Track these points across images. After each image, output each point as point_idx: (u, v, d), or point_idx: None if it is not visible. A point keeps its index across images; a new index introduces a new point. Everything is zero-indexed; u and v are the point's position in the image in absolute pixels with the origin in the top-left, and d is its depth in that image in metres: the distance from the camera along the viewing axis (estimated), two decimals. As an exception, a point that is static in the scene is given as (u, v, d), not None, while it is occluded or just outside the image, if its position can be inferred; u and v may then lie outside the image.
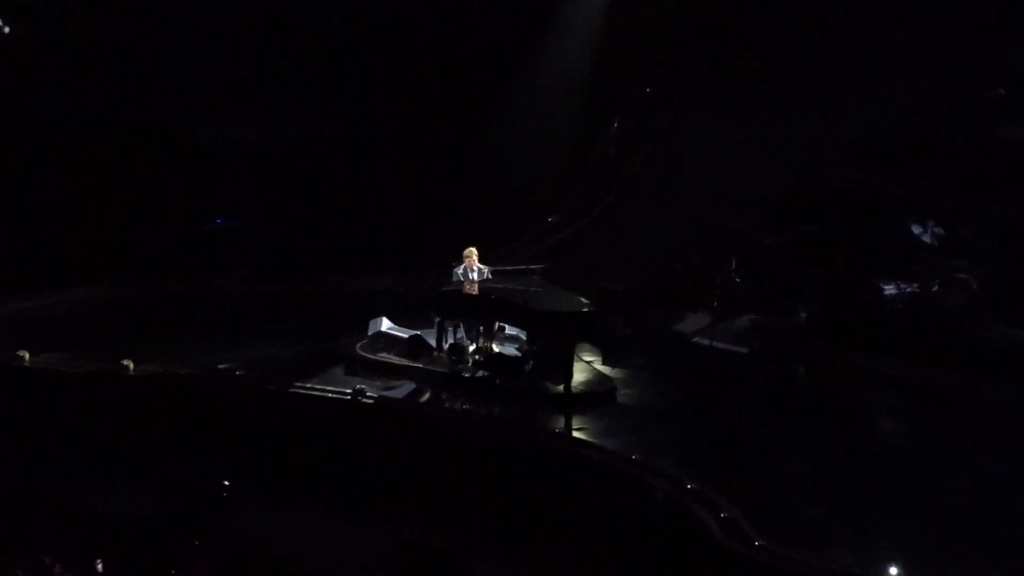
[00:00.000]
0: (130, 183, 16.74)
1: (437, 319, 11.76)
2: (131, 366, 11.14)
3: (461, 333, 11.77)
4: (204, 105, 17.34)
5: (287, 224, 17.56)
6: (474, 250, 11.95)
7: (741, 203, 14.89)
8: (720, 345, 12.53)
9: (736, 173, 15.00)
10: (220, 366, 11.49)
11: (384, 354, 11.89)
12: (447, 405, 10.71)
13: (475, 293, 11.53)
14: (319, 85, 17.35)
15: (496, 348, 11.55)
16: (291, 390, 10.60)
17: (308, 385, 10.69)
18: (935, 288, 13.05)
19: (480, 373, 11.11)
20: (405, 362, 11.57)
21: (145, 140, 17.18)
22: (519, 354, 11.36)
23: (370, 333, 12.45)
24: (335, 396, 10.41)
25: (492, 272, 12.14)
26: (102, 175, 16.57)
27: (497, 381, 10.88)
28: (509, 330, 12.10)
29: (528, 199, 16.62)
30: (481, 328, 11.54)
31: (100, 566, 8.27)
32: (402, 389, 10.84)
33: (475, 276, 11.90)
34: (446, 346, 11.67)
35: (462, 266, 11.97)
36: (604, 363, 11.61)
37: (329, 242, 16.90)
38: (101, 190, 16.49)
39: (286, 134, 17.87)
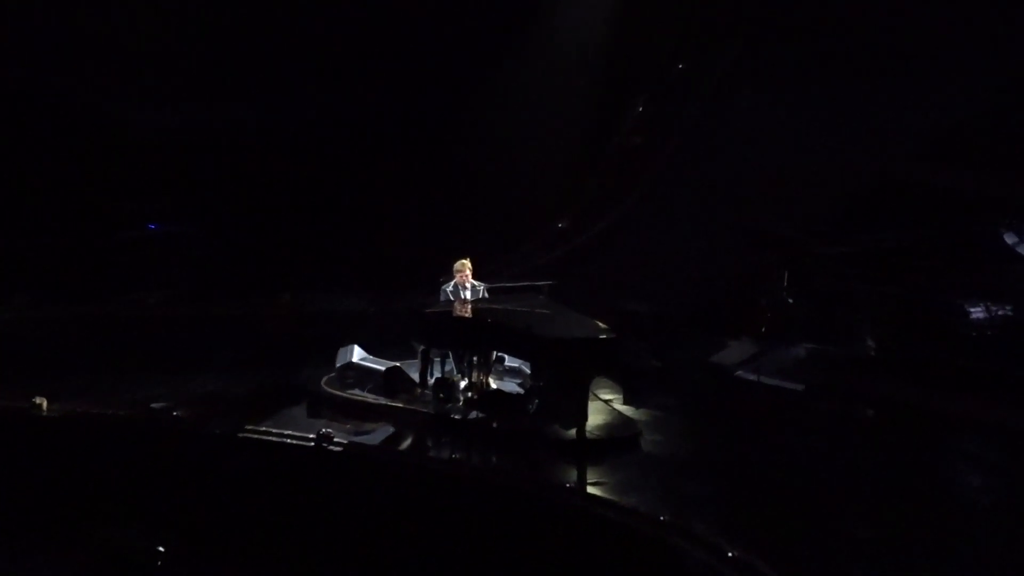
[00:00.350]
0: (41, 178, 16.75)
1: (421, 348, 11.85)
2: (44, 405, 11.17)
3: (450, 365, 11.84)
4: (135, 80, 17.37)
5: (237, 230, 17.65)
6: (467, 263, 12.06)
7: (794, 205, 14.96)
8: (769, 381, 12.61)
9: (788, 168, 15.07)
10: (154, 405, 11.51)
11: (355, 391, 11.98)
12: (433, 453, 10.72)
13: (468, 315, 11.59)
14: (280, 57, 17.40)
15: (493, 384, 11.62)
16: (241, 435, 10.62)
17: (262, 428, 10.72)
18: (1034, 311, 13.10)
19: (473, 414, 11.16)
20: (381, 400, 11.66)
21: (60, 125, 17.16)
22: (521, 391, 11.42)
23: (338, 365, 12.53)
24: (294, 442, 10.42)
25: (489, 290, 12.22)
26: (5, 170, 16.64)
27: (495, 424, 10.93)
28: (509, 361, 12.15)
29: (532, 200, 16.69)
30: (475, 359, 11.58)
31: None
32: (377, 434, 10.89)
33: (468, 294, 11.99)
34: (432, 381, 11.74)
35: (452, 282, 12.06)
36: (626, 402, 11.57)
37: (289, 253, 17.02)
38: (4, 188, 16.56)
39: (239, 118, 17.91)
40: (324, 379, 12.30)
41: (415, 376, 11.89)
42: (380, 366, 12.25)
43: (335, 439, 10.33)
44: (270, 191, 17.72)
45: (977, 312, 13.13)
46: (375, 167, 17.57)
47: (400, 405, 11.51)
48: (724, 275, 14.96)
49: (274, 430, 10.72)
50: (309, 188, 17.63)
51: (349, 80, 17.51)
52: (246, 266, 17.11)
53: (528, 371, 11.71)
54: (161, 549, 8.91)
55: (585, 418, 10.55)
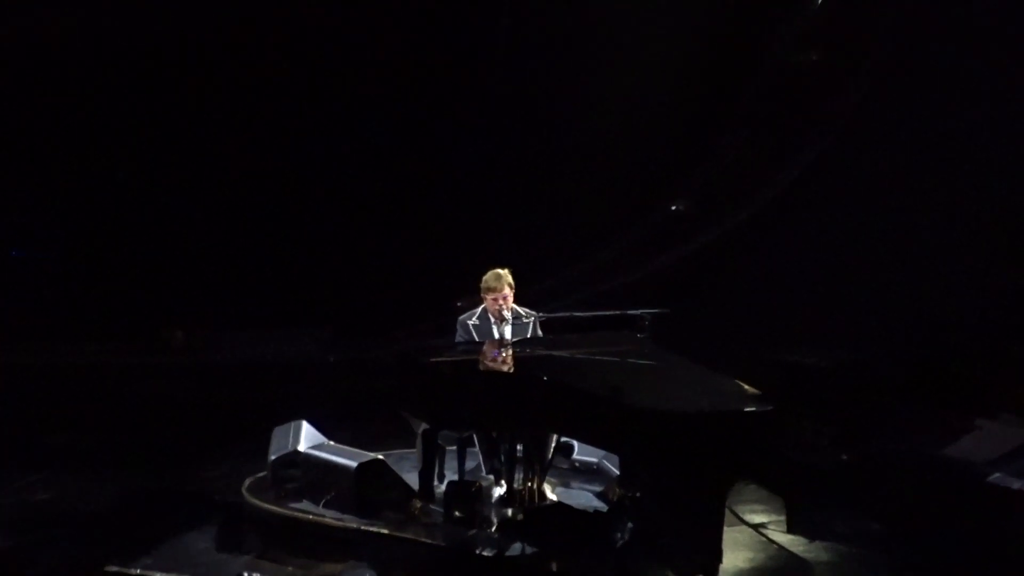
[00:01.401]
0: None
1: (422, 427, 11.85)
2: None
3: (476, 460, 11.96)
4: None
5: (90, 222, 18.09)
6: (504, 276, 12.09)
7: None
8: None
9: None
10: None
11: (304, 503, 12.02)
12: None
13: (507, 368, 11.53)
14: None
15: (551, 493, 11.66)
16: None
17: (135, 571, 10.70)
18: None
19: (517, 547, 11.13)
20: (350, 521, 11.65)
21: None
22: (603, 506, 11.45)
23: (273, 457, 12.63)
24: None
25: (545, 323, 12.33)
26: None
27: (554, 565, 10.86)
28: (581, 453, 12.28)
29: (620, 167, 16.87)
30: (519, 448, 11.63)
31: None
32: (342, 581, 11.00)
33: (508, 331, 12.08)
34: (442, 487, 11.81)
35: (478, 311, 12.20)
36: (791, 528, 11.41)
37: (183, 260, 17.18)
38: None
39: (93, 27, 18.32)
40: (248, 482, 12.40)
41: (411, 478, 11.93)
42: (348, 459, 12.25)
43: (266, 590, 10.38)
44: (150, 155, 18.39)
45: None
46: (349, 134, 18.38)
47: (384, 531, 11.48)
48: (965, 308, 14.91)
49: (157, 573, 10.69)
50: (219, 154, 18.07)
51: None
52: (105, 282, 17.25)
53: (615, 471, 11.77)
54: None
55: (718, 556, 10.36)
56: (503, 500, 11.60)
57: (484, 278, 12.09)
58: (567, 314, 12.67)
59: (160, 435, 14.08)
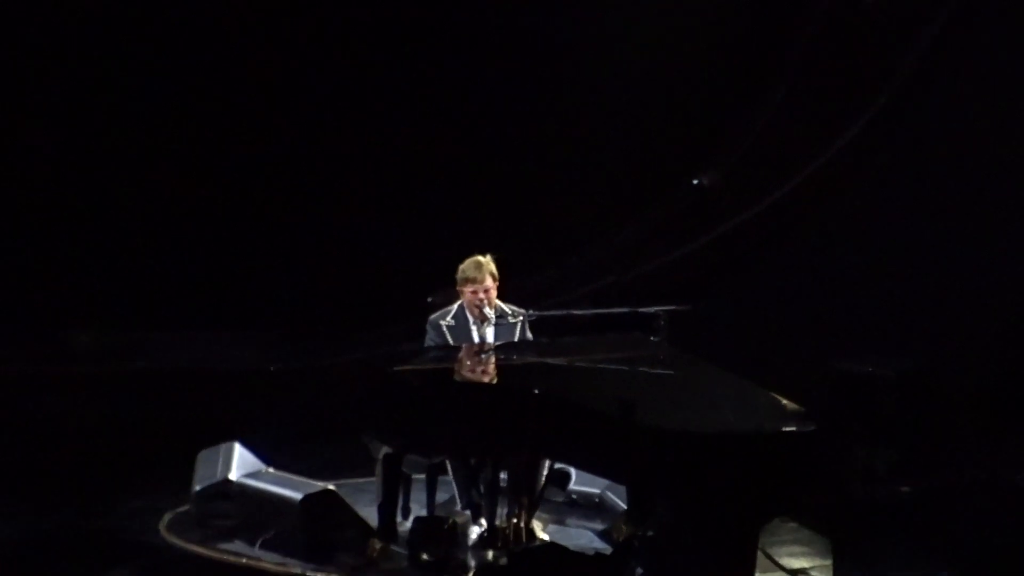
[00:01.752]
0: None
1: (383, 451, 11.70)
2: None
3: (449, 491, 11.90)
4: None
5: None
6: (485, 263, 11.95)
7: None
8: None
9: None
10: None
11: (236, 543, 11.93)
12: None
13: (488, 379, 11.55)
14: None
15: (541, 532, 11.56)
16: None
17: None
18: None
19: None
20: (293, 566, 11.49)
21: None
22: (607, 547, 11.37)
23: (198, 487, 12.60)
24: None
25: (537, 324, 12.19)
26: None
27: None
28: (579, 483, 12.36)
29: (640, 133, 16.98)
30: (501, 477, 11.56)
31: None
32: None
33: (487, 332, 11.95)
34: (407, 524, 11.69)
35: (453, 309, 12.08)
36: (838, 572, 11.52)
37: (96, 242, 17.35)
38: None
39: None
40: (168, 518, 12.37)
41: (369, 513, 11.84)
42: (291, 491, 12.16)
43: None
44: (55, 119, 18.33)
45: None
46: (292, 89, 18.41)
47: (333, 577, 11.46)
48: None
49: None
50: (142, 119, 18.24)
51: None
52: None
53: (621, 505, 11.77)
54: None
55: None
56: (482, 540, 11.48)
57: (461, 267, 11.93)
58: (564, 312, 12.50)
59: (61, 461, 14.02)
